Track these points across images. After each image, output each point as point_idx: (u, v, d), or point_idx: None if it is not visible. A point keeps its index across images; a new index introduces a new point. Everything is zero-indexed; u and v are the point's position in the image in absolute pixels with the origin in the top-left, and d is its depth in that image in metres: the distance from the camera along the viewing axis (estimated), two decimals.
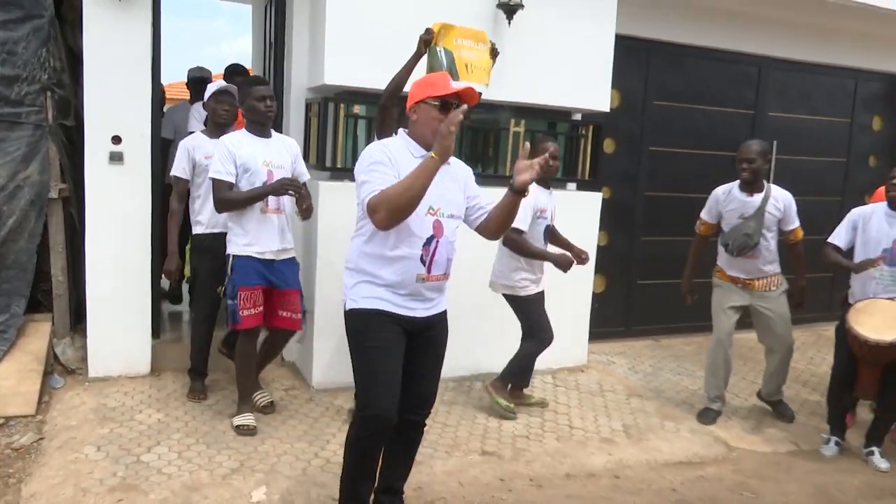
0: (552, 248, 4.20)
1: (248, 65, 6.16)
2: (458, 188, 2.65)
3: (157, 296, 4.59)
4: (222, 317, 3.90)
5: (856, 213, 3.98)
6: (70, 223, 4.54)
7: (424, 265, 2.54)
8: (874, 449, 3.91)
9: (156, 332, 4.56)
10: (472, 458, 3.65)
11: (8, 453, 3.42)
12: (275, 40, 4.90)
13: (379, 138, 3.27)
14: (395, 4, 4.35)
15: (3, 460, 3.35)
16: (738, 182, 4.26)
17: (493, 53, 4.25)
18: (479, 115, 4.64)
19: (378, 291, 2.56)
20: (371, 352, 2.58)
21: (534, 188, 4.06)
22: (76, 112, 4.88)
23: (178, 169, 4.06)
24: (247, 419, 3.74)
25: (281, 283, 3.74)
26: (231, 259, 3.65)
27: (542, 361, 4.78)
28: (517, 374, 4.25)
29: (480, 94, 2.59)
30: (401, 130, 2.65)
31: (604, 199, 5.24)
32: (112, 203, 4.21)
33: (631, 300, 6.07)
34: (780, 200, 4.20)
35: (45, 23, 4.20)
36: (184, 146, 4.07)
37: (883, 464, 3.84)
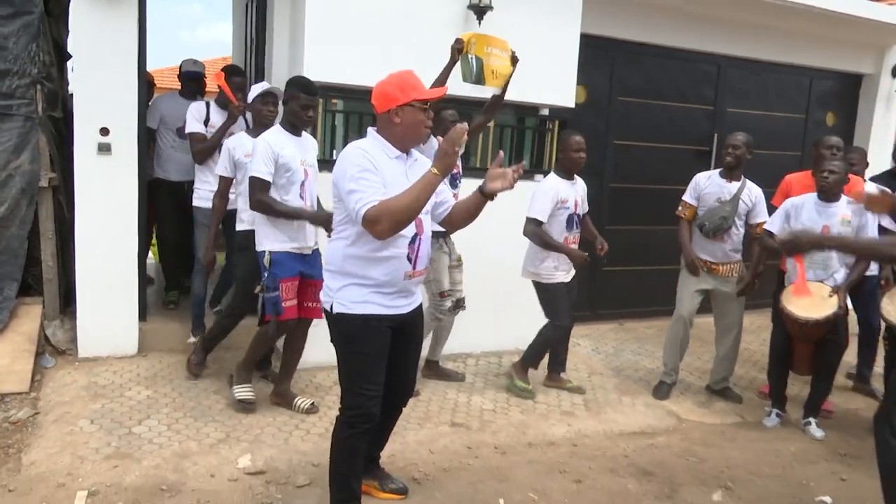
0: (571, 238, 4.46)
1: (225, 53, 6.30)
2: None
3: (144, 281, 4.81)
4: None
5: (788, 202, 4.31)
6: (59, 211, 4.74)
7: (411, 262, 2.66)
8: (811, 420, 4.27)
9: (142, 315, 4.79)
10: (442, 429, 3.94)
11: (6, 426, 3.64)
12: (256, 34, 5.13)
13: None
14: (373, 1, 4.59)
15: (2, 433, 3.57)
16: (719, 170, 4.60)
17: (514, 61, 4.51)
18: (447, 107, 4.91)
19: (367, 294, 2.64)
20: (363, 357, 2.68)
21: (554, 179, 4.36)
22: (64, 104, 5.08)
23: (221, 168, 4.22)
24: (248, 394, 3.97)
25: (315, 273, 3.85)
26: (268, 254, 3.73)
27: (515, 341, 5.09)
28: (532, 357, 4.56)
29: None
30: (371, 131, 2.69)
31: None
32: (100, 192, 4.42)
33: (596, 285, 6.38)
34: (752, 193, 4.53)
35: (35, 18, 4.38)
36: (226, 146, 4.21)
37: (818, 433, 4.20)
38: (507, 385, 4.58)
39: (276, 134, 3.75)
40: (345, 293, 2.65)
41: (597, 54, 5.91)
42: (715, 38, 6.45)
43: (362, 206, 2.46)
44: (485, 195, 2.61)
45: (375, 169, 2.53)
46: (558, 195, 4.32)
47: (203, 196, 4.69)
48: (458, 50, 4.17)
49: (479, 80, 4.41)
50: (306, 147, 3.89)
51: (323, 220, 3.59)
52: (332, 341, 2.77)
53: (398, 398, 2.96)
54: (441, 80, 4.03)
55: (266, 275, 3.75)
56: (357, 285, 2.64)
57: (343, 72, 4.53)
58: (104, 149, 4.39)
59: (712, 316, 4.77)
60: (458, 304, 4.46)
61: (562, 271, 4.43)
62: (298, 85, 3.78)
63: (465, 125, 2.48)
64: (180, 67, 5.53)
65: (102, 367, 4.41)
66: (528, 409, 4.32)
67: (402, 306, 2.73)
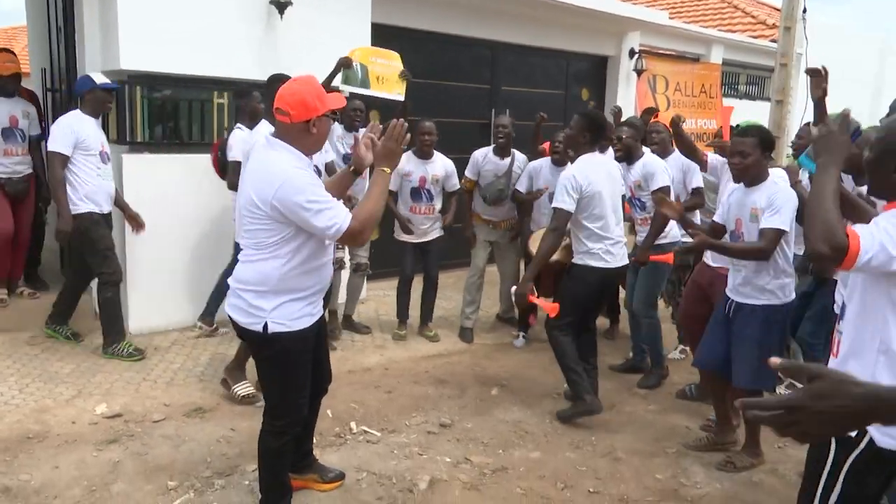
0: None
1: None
2: None
3: None
4: None
5: (531, 165, 5.40)
6: None
7: (333, 265, 2.90)
8: (520, 334, 5.52)
9: None
10: None
11: None
12: (64, 24, 5.34)
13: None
14: None
15: None
16: (492, 147, 5.54)
17: (404, 75, 5.23)
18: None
19: (303, 307, 2.68)
20: (298, 371, 2.75)
21: (405, 156, 5.09)
22: None
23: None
24: (249, 388, 4.08)
25: None
26: None
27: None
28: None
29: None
30: (279, 143, 2.59)
31: None
32: None
33: None
34: (520, 163, 5.55)
35: None
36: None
37: (520, 343, 5.47)
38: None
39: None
40: (281, 311, 2.63)
41: (387, 41, 6.67)
42: (489, 27, 7.56)
43: (341, 224, 2.51)
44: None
45: (319, 183, 2.61)
46: (402, 168, 5.09)
47: None
48: (343, 64, 4.91)
49: (365, 84, 5.15)
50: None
51: None
52: (261, 360, 2.80)
53: (321, 387, 3.07)
54: (325, 87, 4.63)
55: None
56: (293, 300, 2.65)
57: (157, 61, 4.95)
58: None
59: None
60: (359, 268, 5.32)
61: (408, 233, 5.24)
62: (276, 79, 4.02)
63: (403, 121, 2.67)
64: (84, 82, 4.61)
65: None
66: (347, 347, 5.15)
67: (320, 309, 2.83)
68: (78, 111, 4.52)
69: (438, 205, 5.37)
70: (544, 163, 5.34)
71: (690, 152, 4.57)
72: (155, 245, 5.00)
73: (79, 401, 3.99)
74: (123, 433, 3.67)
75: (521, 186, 5.40)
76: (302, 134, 2.58)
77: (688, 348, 4.94)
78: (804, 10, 7.41)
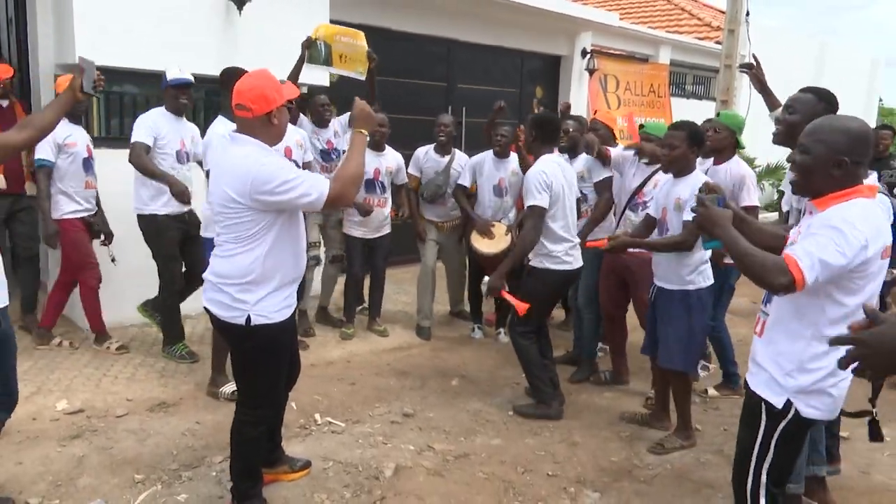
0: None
1: None
2: None
3: None
4: None
5: (474, 159, 5.41)
6: None
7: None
8: (501, 330, 5.61)
9: None
10: None
11: None
12: (16, 17, 5.24)
13: None
14: None
15: None
16: (433, 145, 5.62)
17: (370, 57, 5.15)
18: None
19: (284, 299, 2.76)
20: (279, 363, 2.84)
21: None
22: None
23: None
24: (233, 385, 3.96)
25: None
26: None
27: None
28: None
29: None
30: (245, 137, 2.66)
31: None
32: None
33: None
34: (460, 161, 5.63)
35: None
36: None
37: (504, 339, 5.49)
38: None
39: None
40: (264, 305, 2.69)
41: None
42: (446, 25, 7.68)
43: (320, 191, 2.59)
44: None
45: (291, 165, 2.71)
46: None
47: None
48: (305, 45, 4.89)
49: (328, 62, 5.13)
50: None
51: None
52: (241, 352, 2.83)
53: (292, 376, 3.15)
54: (294, 75, 4.69)
55: None
56: (274, 292, 2.72)
57: (113, 54, 4.89)
58: None
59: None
60: (336, 259, 5.37)
61: (361, 228, 5.23)
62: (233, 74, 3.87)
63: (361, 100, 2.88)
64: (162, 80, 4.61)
65: None
66: (310, 340, 5.19)
67: (296, 299, 2.91)
68: (162, 108, 4.47)
69: (390, 198, 5.40)
70: (486, 156, 5.36)
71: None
72: (115, 240, 4.95)
73: (38, 398, 3.96)
74: (87, 428, 3.67)
75: (465, 181, 5.41)
76: (264, 126, 2.66)
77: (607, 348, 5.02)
78: (747, 14, 7.75)
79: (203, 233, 4.15)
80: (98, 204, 4.79)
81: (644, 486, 3.46)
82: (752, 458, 2.33)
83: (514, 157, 5.32)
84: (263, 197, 2.55)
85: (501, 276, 4.04)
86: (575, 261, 4.12)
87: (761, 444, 2.31)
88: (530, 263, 4.14)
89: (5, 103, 4.79)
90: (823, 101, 3.05)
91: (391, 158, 5.38)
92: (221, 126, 3.87)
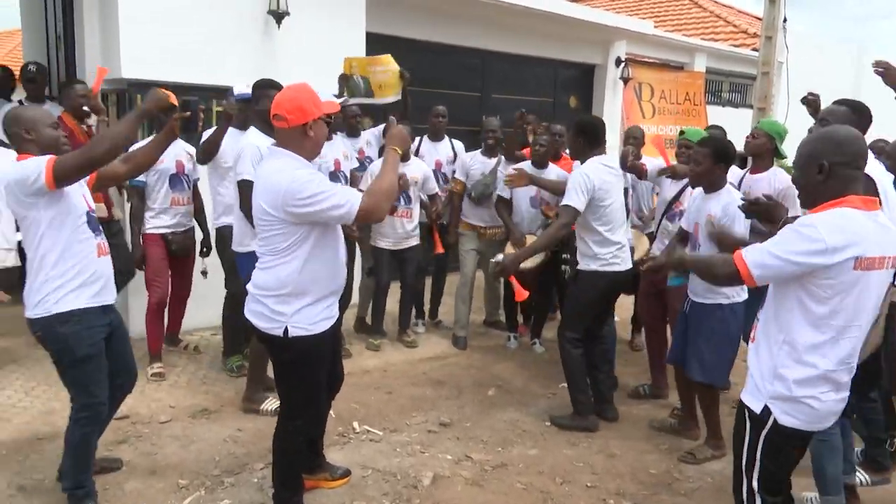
0: None
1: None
2: None
3: None
4: None
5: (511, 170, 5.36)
6: None
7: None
8: (536, 340, 5.62)
9: None
10: None
11: None
12: (64, 34, 5.42)
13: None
14: (184, 3, 5.14)
15: None
16: (479, 150, 5.64)
17: (402, 76, 5.31)
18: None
19: (321, 311, 2.77)
20: (316, 373, 2.85)
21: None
22: None
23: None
24: (275, 402, 4.00)
25: None
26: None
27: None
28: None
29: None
30: (280, 150, 2.71)
31: None
32: None
33: None
34: (504, 164, 5.63)
35: None
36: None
37: (540, 349, 5.56)
38: None
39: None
40: (301, 316, 2.72)
41: (381, 49, 6.85)
42: (480, 36, 7.72)
43: (351, 204, 2.60)
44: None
45: (325, 179, 2.71)
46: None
47: None
48: (343, 81, 5.15)
49: (369, 94, 5.34)
50: (337, 147, 4.40)
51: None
52: (281, 364, 2.88)
53: (334, 388, 3.18)
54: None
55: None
56: (312, 304, 2.74)
57: (157, 69, 5.04)
58: None
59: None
60: (372, 271, 5.37)
61: (386, 239, 5.23)
62: (263, 85, 4.03)
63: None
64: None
65: None
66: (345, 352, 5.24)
67: (337, 310, 2.91)
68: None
69: (416, 209, 5.33)
70: (524, 167, 5.23)
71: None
72: None
73: None
74: (132, 434, 3.75)
75: (505, 192, 5.32)
76: (300, 138, 2.69)
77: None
78: (784, 20, 7.66)
79: (235, 247, 4.10)
80: (201, 220, 4.75)
81: (684, 500, 3.43)
82: (742, 465, 2.35)
83: (552, 167, 5.30)
84: (294, 209, 2.58)
85: (517, 262, 4.02)
86: (623, 263, 4.12)
87: (748, 452, 2.33)
88: (578, 267, 4.16)
89: (92, 121, 4.67)
90: (857, 112, 3.04)
91: (416, 168, 5.32)
92: (254, 136, 3.94)
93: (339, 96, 4.96)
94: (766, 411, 2.25)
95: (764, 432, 2.27)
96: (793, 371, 2.21)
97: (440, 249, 5.24)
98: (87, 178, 2.99)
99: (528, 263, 4.90)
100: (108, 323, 2.98)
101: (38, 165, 2.67)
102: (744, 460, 2.34)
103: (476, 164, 5.64)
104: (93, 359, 2.92)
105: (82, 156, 2.74)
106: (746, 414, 2.33)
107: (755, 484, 2.31)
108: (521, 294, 3.91)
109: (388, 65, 5.41)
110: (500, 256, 4.10)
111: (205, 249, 4.76)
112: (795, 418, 2.23)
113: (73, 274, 2.83)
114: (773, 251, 2.16)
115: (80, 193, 2.90)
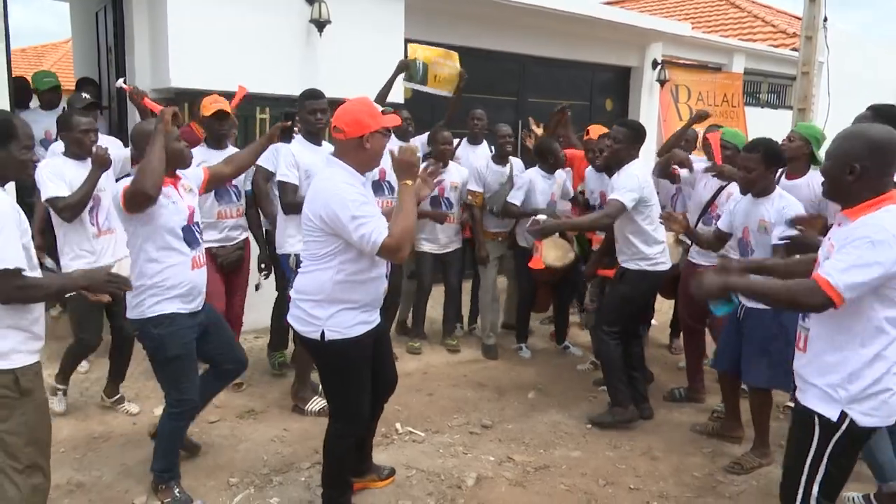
0: None
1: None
2: None
3: None
4: None
5: (525, 177, 5.27)
6: None
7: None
8: (567, 344, 5.64)
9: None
10: None
11: None
12: (115, 45, 5.60)
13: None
14: (229, 14, 5.27)
15: None
16: (491, 156, 5.55)
17: (462, 76, 5.51)
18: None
19: (357, 315, 2.81)
20: (357, 375, 2.89)
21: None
22: None
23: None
24: (322, 403, 4.15)
25: None
26: (292, 257, 3.96)
27: None
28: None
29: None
30: (335, 160, 2.80)
31: None
32: None
33: None
34: (518, 169, 5.53)
35: None
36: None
37: (575, 351, 5.59)
38: None
39: (296, 144, 4.05)
40: (337, 319, 2.78)
41: None
42: (517, 41, 7.75)
43: (377, 237, 2.61)
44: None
45: (366, 197, 2.75)
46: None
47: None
48: (403, 65, 5.24)
49: (423, 81, 5.46)
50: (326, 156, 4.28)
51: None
52: (321, 367, 2.98)
53: (383, 392, 3.21)
54: (382, 96, 4.89)
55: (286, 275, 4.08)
56: (347, 310, 2.79)
57: (205, 79, 5.17)
58: None
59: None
60: (413, 275, 5.43)
61: (429, 243, 5.27)
62: (302, 96, 4.14)
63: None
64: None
65: None
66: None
67: (377, 319, 2.96)
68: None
69: (458, 213, 5.34)
70: (536, 173, 5.27)
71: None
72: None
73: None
74: None
75: (517, 199, 5.21)
76: (356, 150, 2.76)
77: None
78: (825, 19, 7.53)
79: (277, 249, 4.19)
80: (257, 235, 4.53)
81: (729, 502, 3.41)
82: (803, 472, 2.33)
83: (561, 171, 5.36)
84: (332, 220, 2.66)
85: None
86: (667, 262, 4.22)
87: (814, 457, 2.31)
88: (623, 265, 4.20)
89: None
90: (880, 117, 3.01)
91: (455, 173, 5.31)
92: (297, 142, 4.10)
93: (390, 81, 5.10)
94: (843, 416, 2.25)
95: (836, 437, 2.27)
96: (869, 371, 2.22)
97: (535, 264, 4.84)
98: (200, 183, 3.33)
99: (556, 262, 4.93)
100: (198, 323, 3.18)
101: (118, 192, 2.97)
102: (806, 467, 2.31)
103: (492, 172, 5.49)
104: (182, 358, 3.13)
105: (133, 187, 2.90)
106: (817, 421, 2.29)
107: (815, 489, 2.30)
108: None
109: (452, 59, 5.50)
110: (541, 216, 4.24)
111: (262, 265, 4.50)
112: (874, 416, 2.25)
113: (166, 285, 3.03)
114: (859, 267, 2.10)
115: (175, 211, 3.06)
